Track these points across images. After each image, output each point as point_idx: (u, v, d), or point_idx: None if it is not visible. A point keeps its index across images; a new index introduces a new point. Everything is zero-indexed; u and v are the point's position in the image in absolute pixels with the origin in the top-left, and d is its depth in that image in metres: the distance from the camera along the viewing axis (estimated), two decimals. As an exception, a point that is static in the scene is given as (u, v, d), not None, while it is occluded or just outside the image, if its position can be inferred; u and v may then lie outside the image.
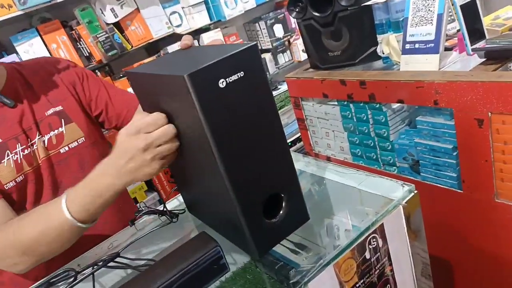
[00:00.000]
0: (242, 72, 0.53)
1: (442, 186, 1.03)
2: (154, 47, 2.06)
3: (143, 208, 1.10)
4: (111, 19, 1.78)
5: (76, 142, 0.96)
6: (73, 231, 0.71)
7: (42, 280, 0.76)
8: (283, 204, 0.62)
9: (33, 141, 0.90)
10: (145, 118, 0.61)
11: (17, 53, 1.64)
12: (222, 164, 0.54)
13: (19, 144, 0.88)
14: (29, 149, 0.89)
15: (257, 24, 2.40)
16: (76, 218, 0.69)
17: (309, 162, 0.91)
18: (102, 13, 1.76)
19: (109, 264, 0.73)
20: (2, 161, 0.86)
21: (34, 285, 0.74)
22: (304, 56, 2.49)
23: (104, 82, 1.07)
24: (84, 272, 0.73)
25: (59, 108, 0.95)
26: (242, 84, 0.54)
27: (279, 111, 2.43)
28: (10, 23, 1.61)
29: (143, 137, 0.61)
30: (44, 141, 0.92)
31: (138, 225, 0.90)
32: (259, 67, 0.56)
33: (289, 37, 2.54)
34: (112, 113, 1.05)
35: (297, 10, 1.28)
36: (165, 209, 0.86)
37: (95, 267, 0.67)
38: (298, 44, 2.53)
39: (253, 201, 0.58)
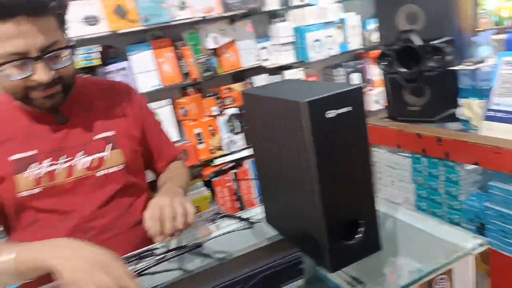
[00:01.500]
0: (350, 107, 0.61)
1: (507, 254, 1.02)
2: (240, 75, 2.21)
3: (221, 212, 1.19)
4: (211, 45, 1.97)
5: (116, 167, 0.98)
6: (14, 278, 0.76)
7: (132, 252, 0.86)
8: (360, 229, 0.67)
9: (70, 159, 0.93)
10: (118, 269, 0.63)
11: (128, 60, 1.85)
12: (319, 186, 0.61)
13: (50, 159, 0.91)
14: (59, 165, 0.92)
15: (336, 70, 2.50)
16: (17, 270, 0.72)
17: (380, 201, 0.95)
18: (205, 39, 1.96)
19: (191, 252, 0.82)
20: (26, 171, 0.89)
21: (126, 255, 0.84)
22: (376, 107, 2.53)
23: (158, 124, 1.15)
24: (170, 253, 0.82)
25: (112, 133, 0.99)
26: (346, 117, 0.62)
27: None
28: (128, 34, 1.84)
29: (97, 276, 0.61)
30: (86, 162, 0.95)
31: (213, 227, 0.96)
32: (362, 105, 0.63)
33: (364, 87, 2.61)
34: (155, 154, 1.12)
35: (385, 63, 1.35)
36: (242, 216, 0.94)
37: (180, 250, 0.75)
38: (372, 94, 2.59)
39: (337, 222, 0.64)
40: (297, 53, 2.24)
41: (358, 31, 2.47)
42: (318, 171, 0.61)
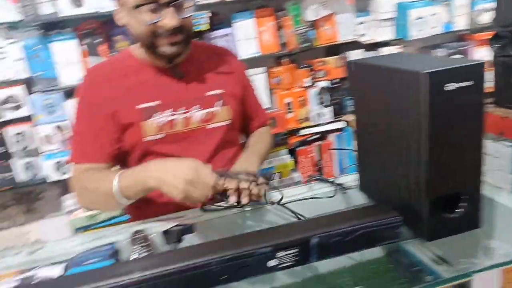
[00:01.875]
0: (471, 82, 0.62)
1: None
2: (334, 49, 2.20)
3: (315, 175, 1.24)
4: (311, 17, 1.99)
5: (224, 122, 1.09)
6: (113, 198, 0.90)
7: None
8: (462, 204, 0.69)
9: (188, 111, 1.04)
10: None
11: (232, 27, 1.94)
12: (428, 157, 0.64)
13: (171, 109, 1.03)
14: (179, 115, 1.04)
15: (435, 51, 2.37)
16: (120, 192, 0.89)
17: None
18: (306, 10, 1.97)
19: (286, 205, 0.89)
20: (152, 119, 1.01)
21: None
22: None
23: (253, 88, 1.25)
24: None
25: (221, 91, 1.09)
26: (465, 92, 0.62)
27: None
28: (235, 2, 1.93)
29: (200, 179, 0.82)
30: (201, 114, 1.06)
31: (303, 188, 1.03)
32: (482, 81, 0.63)
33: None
34: (247, 116, 1.22)
35: (498, 45, 1.27)
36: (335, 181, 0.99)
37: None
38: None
39: (440, 194, 0.67)
40: (397, 30, 2.17)
41: (465, 10, 2.30)
42: (430, 142, 0.63)
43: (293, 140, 2.21)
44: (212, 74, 1.11)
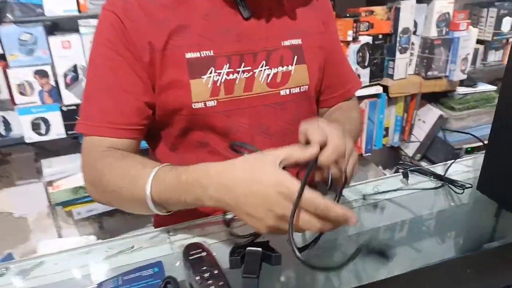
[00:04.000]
0: None
1: None
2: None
3: (410, 163, 0.92)
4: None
5: (299, 88, 0.78)
6: (145, 206, 0.60)
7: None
8: None
9: (250, 69, 0.73)
10: (313, 196, 0.46)
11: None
12: None
13: (228, 65, 0.71)
14: (238, 75, 0.72)
15: (486, 9, 2.05)
16: (153, 201, 0.59)
17: None
18: None
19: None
20: (202, 77, 0.70)
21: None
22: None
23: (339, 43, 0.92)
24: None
25: (297, 41, 0.78)
26: None
27: (467, 111, 2.12)
28: None
29: (287, 206, 0.47)
30: (268, 75, 0.74)
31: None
32: None
33: (511, 36, 2.16)
34: (326, 81, 0.86)
35: None
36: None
37: None
38: (521, 46, 2.14)
39: None
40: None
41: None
42: None
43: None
44: (291, 15, 0.78)
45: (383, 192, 0.77)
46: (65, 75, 1.45)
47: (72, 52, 1.43)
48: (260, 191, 0.48)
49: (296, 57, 0.76)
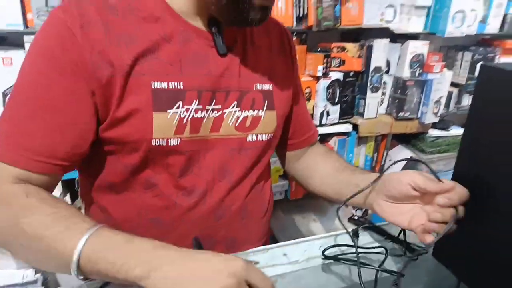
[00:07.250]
0: None
1: None
2: (351, 34, 1.75)
3: (361, 220, 0.84)
4: (342, -13, 1.50)
5: (266, 135, 0.73)
6: (64, 269, 0.50)
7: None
8: None
9: (221, 108, 0.67)
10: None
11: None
12: None
13: (197, 101, 0.64)
14: (207, 113, 0.65)
15: (461, 53, 2.00)
16: (79, 266, 0.48)
17: None
18: (336, -23, 1.48)
19: None
20: (168, 111, 0.62)
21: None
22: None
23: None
24: None
25: (268, 87, 0.72)
26: None
27: (438, 155, 2.04)
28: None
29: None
30: (238, 118, 0.68)
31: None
32: None
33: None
34: (296, 125, 0.85)
35: None
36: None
37: None
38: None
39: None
40: (432, 23, 1.75)
41: (499, 11, 1.94)
42: None
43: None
44: (264, 58, 0.73)
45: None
46: (5, 94, 1.31)
47: (13, 69, 1.29)
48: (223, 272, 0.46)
49: (266, 102, 0.71)
